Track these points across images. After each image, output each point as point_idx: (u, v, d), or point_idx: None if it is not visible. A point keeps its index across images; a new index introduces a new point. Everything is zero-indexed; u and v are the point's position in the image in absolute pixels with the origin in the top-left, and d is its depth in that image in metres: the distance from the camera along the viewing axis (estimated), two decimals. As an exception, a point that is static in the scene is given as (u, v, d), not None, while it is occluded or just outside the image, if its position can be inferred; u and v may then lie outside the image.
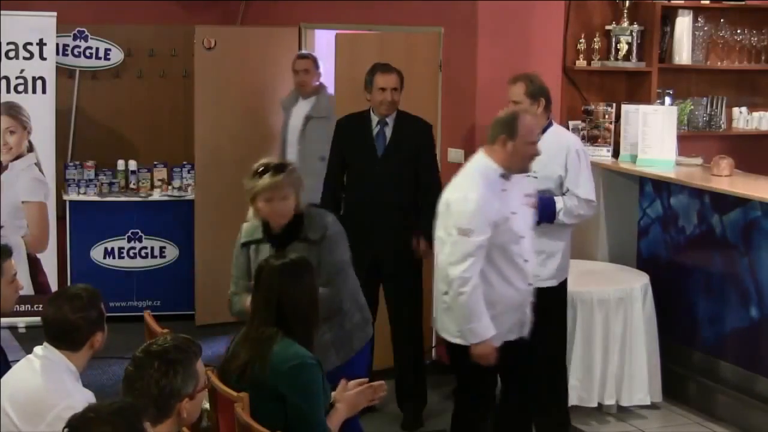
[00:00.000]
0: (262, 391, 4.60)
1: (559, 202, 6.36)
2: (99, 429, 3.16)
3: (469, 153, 7.58)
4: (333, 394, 4.85)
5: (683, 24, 8.46)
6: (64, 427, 3.18)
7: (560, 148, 6.43)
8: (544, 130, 6.38)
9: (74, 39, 9.38)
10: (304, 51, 8.93)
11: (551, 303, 6.53)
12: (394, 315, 7.24)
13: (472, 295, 5.48)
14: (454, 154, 7.74)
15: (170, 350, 3.73)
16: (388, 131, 7.14)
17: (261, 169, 5.37)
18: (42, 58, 8.78)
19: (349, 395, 4.84)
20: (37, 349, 4.43)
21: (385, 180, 7.05)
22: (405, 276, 7.15)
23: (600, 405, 7.27)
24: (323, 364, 4.79)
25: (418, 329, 7.29)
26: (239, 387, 4.62)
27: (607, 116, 8.10)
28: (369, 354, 5.81)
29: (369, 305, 6.56)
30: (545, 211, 6.29)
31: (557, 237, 6.50)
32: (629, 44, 8.26)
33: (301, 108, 8.47)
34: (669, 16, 8.47)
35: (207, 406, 4.84)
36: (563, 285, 6.61)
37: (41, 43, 8.80)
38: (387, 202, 7.02)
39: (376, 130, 7.15)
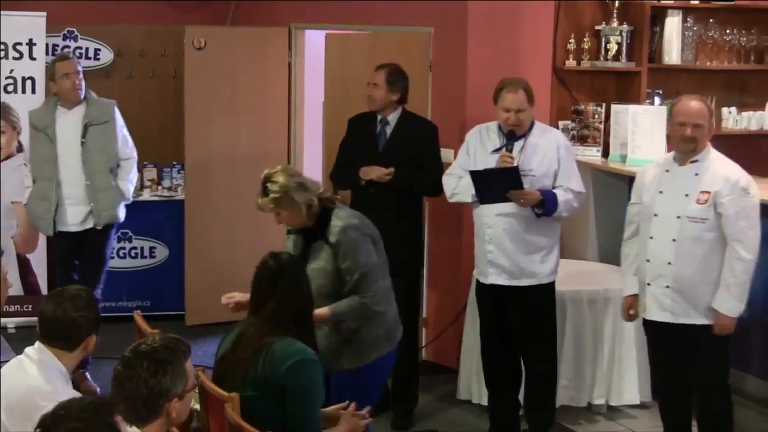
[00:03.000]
0: (263, 389, 4.62)
1: (560, 196, 6.41)
2: (70, 425, 3.15)
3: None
4: (336, 407, 4.89)
5: (673, 24, 8.48)
6: (36, 427, 3.17)
7: (550, 144, 6.52)
8: (530, 129, 6.51)
9: (64, 39, 9.36)
10: (64, 52, 8.75)
11: (548, 300, 6.64)
12: None
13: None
14: (444, 154, 7.74)
15: (159, 350, 3.73)
16: (389, 130, 7.15)
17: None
18: (32, 58, 8.77)
19: (353, 420, 4.84)
20: (29, 350, 4.42)
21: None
22: (401, 276, 7.15)
23: (590, 404, 7.29)
24: (331, 363, 4.82)
25: (413, 329, 7.28)
26: (239, 386, 4.63)
27: (596, 116, 8.12)
28: (383, 370, 5.66)
29: None
30: (548, 206, 6.37)
31: (552, 233, 6.59)
32: (619, 44, 8.28)
33: (71, 119, 7.71)
34: (658, 16, 8.49)
35: (197, 406, 4.84)
36: (554, 282, 6.69)
37: (31, 43, 8.79)
38: (385, 201, 7.03)
39: (378, 128, 7.17)
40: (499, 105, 6.48)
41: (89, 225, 7.69)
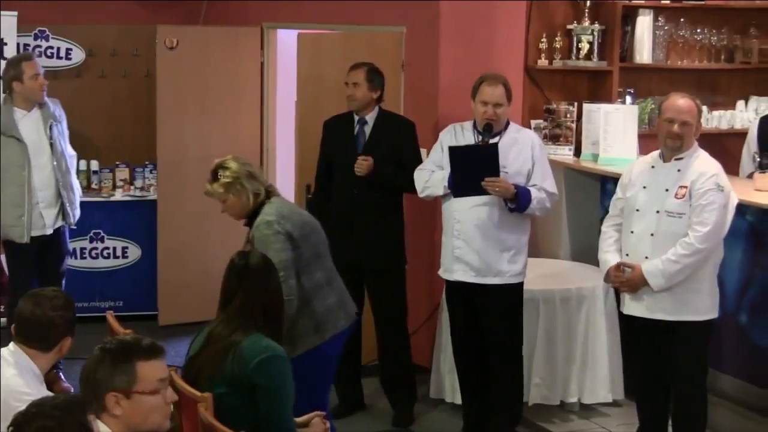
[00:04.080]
0: (233, 386, 4.63)
1: (534, 193, 6.44)
2: (42, 423, 3.14)
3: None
4: (311, 415, 4.94)
5: (644, 23, 8.52)
6: (9, 426, 3.16)
7: (525, 143, 6.56)
8: (506, 128, 6.54)
9: (35, 39, 9.31)
10: (27, 51, 8.70)
11: (515, 301, 6.64)
12: (377, 312, 7.27)
13: None
14: (418, 153, 7.76)
15: (113, 342, 3.72)
16: (368, 130, 7.15)
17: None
18: (2, 57, 8.71)
19: (321, 425, 4.93)
20: (4, 351, 4.41)
21: (365, 179, 7.06)
22: (387, 274, 7.17)
23: (563, 403, 7.31)
24: None
25: (402, 326, 7.31)
26: (209, 384, 4.64)
27: (568, 115, 8.15)
28: (316, 362, 5.69)
29: (354, 302, 6.62)
30: (521, 201, 6.39)
31: (522, 232, 6.61)
32: (590, 43, 8.31)
33: (31, 121, 7.63)
34: (630, 15, 8.53)
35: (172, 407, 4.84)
36: (523, 284, 6.70)
37: (2, 43, 8.75)
38: (366, 202, 7.04)
39: (356, 128, 7.17)
40: (478, 98, 6.49)
41: (57, 226, 7.71)
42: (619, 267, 6.11)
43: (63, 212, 7.69)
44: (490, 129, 6.46)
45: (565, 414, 7.33)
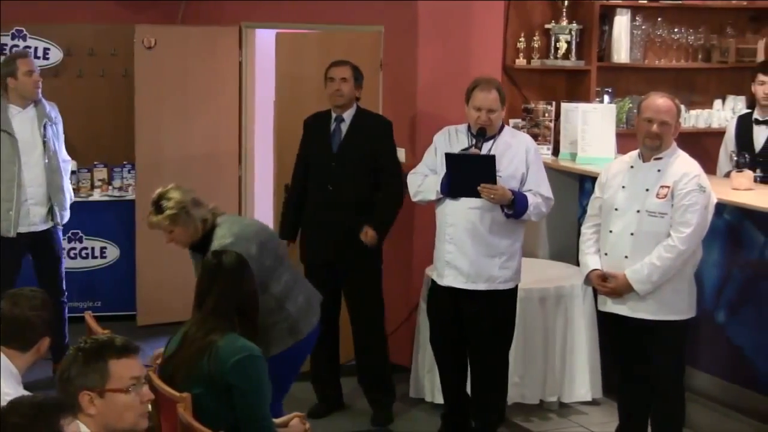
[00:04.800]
0: (209, 386, 4.63)
1: (531, 199, 6.42)
2: (13, 420, 3.16)
3: (410, 152, 7.63)
4: (291, 416, 4.96)
5: (621, 23, 8.55)
6: None
7: (519, 147, 6.52)
8: (500, 131, 6.52)
9: (12, 38, 9.28)
10: (22, 49, 8.69)
11: (506, 306, 6.61)
12: (354, 311, 7.27)
13: None
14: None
15: (87, 341, 3.72)
16: (344, 128, 7.15)
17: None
18: (-20, 57, 8.71)
19: (301, 426, 4.94)
20: (-18, 352, 4.40)
21: (341, 177, 7.06)
22: (363, 274, 7.17)
23: (542, 402, 7.33)
24: None
25: (379, 325, 7.31)
26: (186, 384, 4.64)
27: (546, 114, 8.16)
28: (287, 362, 5.73)
29: (330, 303, 6.67)
30: (518, 207, 6.37)
31: (515, 237, 6.55)
32: (568, 43, 8.33)
33: (26, 118, 7.70)
34: (607, 15, 8.56)
35: (149, 407, 4.83)
36: (516, 289, 6.67)
37: (-22, 42, 8.75)
38: (343, 200, 7.04)
39: (333, 126, 7.17)
40: (471, 104, 6.47)
41: (47, 225, 7.76)
42: (603, 277, 6.11)
43: (51, 212, 7.76)
44: (483, 134, 6.44)
45: (544, 413, 7.34)
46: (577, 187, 8.10)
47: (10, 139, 7.59)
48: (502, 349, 6.66)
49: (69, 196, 7.94)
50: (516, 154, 6.47)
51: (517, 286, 6.63)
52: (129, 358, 3.72)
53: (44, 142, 7.68)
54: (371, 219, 7.06)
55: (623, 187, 6.07)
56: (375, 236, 7.01)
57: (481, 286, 6.46)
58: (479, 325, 6.53)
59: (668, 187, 5.92)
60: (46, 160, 7.69)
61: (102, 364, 3.65)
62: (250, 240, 5.56)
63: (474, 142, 6.44)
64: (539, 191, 6.46)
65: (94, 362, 3.65)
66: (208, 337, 4.71)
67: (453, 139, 6.58)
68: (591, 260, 6.19)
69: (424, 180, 6.58)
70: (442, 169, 6.46)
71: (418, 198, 6.66)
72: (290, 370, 5.77)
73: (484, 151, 6.41)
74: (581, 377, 7.28)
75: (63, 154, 7.93)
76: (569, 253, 8.03)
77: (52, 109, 7.84)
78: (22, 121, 7.66)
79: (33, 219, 7.70)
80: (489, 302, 6.48)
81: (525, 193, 6.41)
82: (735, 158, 7.20)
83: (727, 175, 7.33)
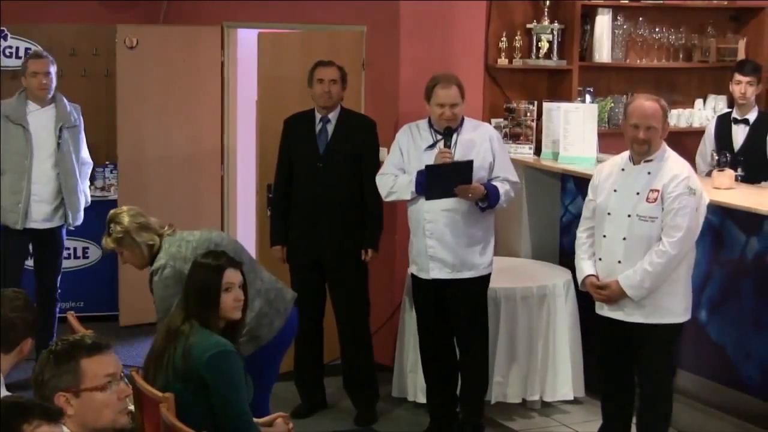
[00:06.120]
0: (186, 383, 4.65)
1: (500, 188, 6.55)
2: None
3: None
4: (267, 419, 4.97)
5: (603, 22, 8.56)
6: None
7: (483, 137, 6.66)
8: (461, 124, 6.60)
9: (-7, 38, 9.29)
10: (40, 50, 8.67)
11: (483, 292, 6.75)
12: (339, 311, 7.27)
13: None
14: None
15: (58, 343, 3.71)
16: (330, 128, 7.15)
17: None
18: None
19: (284, 426, 4.98)
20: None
21: (327, 178, 7.07)
22: (348, 273, 7.17)
23: (524, 400, 7.34)
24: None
25: (364, 325, 7.32)
26: (161, 377, 4.68)
27: (528, 114, 8.17)
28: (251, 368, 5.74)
29: (315, 303, 6.68)
30: (492, 200, 6.52)
31: (488, 225, 6.74)
32: (550, 42, 8.34)
33: (43, 117, 7.83)
34: (589, 14, 8.57)
35: (131, 407, 4.83)
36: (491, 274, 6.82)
37: (-40, 43, 8.72)
38: (329, 201, 7.05)
39: (318, 127, 7.17)
40: (433, 101, 6.53)
41: (52, 224, 7.87)
42: (599, 286, 6.12)
43: (64, 213, 7.86)
44: (450, 133, 6.52)
45: (526, 412, 7.36)
46: (559, 186, 8.11)
47: (24, 134, 7.69)
48: (484, 338, 6.80)
49: (85, 198, 8.03)
50: (481, 146, 6.61)
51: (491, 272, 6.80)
52: (102, 355, 3.69)
53: (59, 144, 7.76)
54: (357, 219, 7.10)
55: (615, 190, 6.06)
56: (375, 252, 7.16)
57: (467, 275, 6.63)
58: (464, 313, 6.69)
59: (658, 190, 5.92)
60: (57, 161, 7.76)
61: (74, 364, 3.64)
62: (187, 259, 5.54)
63: (439, 138, 6.57)
64: (506, 177, 6.62)
65: (65, 363, 3.63)
66: (180, 327, 4.80)
67: (416, 135, 6.68)
68: (585, 266, 6.21)
69: (396, 180, 6.66)
70: (410, 168, 6.58)
71: (391, 198, 6.75)
72: (267, 369, 5.75)
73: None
74: (564, 376, 7.29)
75: (83, 156, 8.00)
76: (551, 253, 8.04)
77: (73, 111, 7.93)
78: (39, 118, 7.78)
79: (36, 216, 7.77)
80: (473, 289, 6.67)
81: (494, 183, 6.56)
82: (716, 157, 7.22)
83: (709, 174, 7.35)
